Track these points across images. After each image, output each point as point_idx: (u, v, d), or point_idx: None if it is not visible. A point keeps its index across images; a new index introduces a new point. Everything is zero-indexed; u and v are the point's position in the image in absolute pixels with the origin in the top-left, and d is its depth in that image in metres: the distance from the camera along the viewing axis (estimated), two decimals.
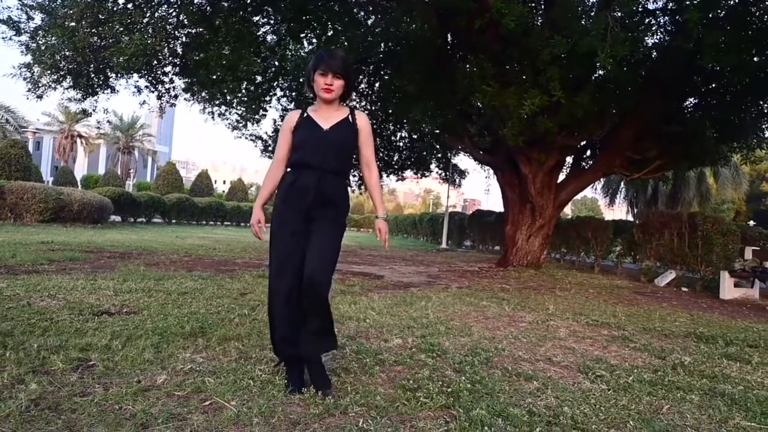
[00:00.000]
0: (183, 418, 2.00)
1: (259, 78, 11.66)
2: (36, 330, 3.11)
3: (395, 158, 15.14)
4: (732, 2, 6.24)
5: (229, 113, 12.96)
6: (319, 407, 2.17)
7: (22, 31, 8.45)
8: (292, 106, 13.66)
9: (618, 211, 31.89)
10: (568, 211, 77.31)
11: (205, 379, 2.43)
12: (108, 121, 12.87)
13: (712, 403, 2.64)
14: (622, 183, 23.88)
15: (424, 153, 15.45)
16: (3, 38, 8.43)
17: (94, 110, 10.18)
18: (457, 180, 17.53)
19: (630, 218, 21.60)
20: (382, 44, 10.91)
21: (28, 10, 8.41)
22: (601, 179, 23.69)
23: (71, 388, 2.22)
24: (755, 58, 6.28)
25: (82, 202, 15.46)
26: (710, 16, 5.83)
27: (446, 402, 2.34)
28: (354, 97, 13.41)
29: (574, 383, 2.84)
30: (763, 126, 9.34)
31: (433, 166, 16.46)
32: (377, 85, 12.95)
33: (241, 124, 13.26)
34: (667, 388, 2.86)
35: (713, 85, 8.50)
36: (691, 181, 23.32)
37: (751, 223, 33.89)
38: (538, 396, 2.55)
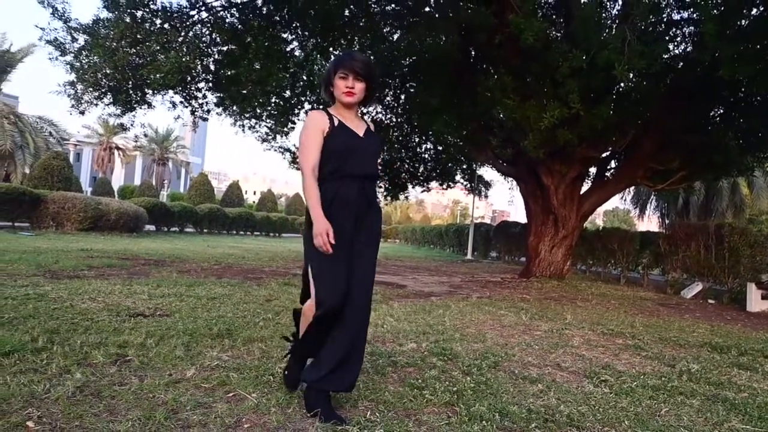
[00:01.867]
0: (209, 406, 2.23)
1: (287, 92, 12.07)
2: (79, 328, 3.40)
3: (420, 169, 15.32)
4: (749, 15, 6.25)
5: (259, 126, 13.40)
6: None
7: (67, 51, 9.00)
8: None
9: (648, 223, 31.28)
10: (599, 222, 76.12)
11: (229, 374, 2.65)
12: (144, 134, 13.47)
13: (711, 408, 2.73)
14: (652, 194, 23.49)
15: (450, 164, 15.59)
16: (50, 58, 9.00)
17: (132, 125, 10.72)
18: (483, 191, 17.58)
19: (661, 230, 21.20)
20: (407, 58, 11.15)
21: (72, 32, 8.97)
22: (630, 190, 23.44)
23: (111, 379, 2.47)
24: None
25: (119, 212, 16.13)
26: (727, 29, 5.86)
27: (450, 399, 2.51)
28: (380, 110, 13.72)
29: (577, 387, 2.96)
30: None
31: (458, 177, 16.60)
32: (403, 97, 13.20)
33: (270, 137, 13.68)
34: (669, 392, 2.95)
35: (738, 95, 8.43)
36: (724, 191, 22.78)
37: None
38: (540, 397, 2.69)
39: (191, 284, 6.01)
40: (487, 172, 17.05)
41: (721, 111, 9.15)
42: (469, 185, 17.34)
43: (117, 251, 9.89)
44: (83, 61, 9.06)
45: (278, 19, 10.33)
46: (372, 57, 11.14)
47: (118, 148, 44.82)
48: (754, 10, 6.23)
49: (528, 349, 3.91)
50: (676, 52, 8.71)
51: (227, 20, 10.12)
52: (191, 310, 4.38)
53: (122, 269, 7.19)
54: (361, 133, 2.38)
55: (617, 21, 8.35)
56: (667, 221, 24.44)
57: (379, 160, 2.57)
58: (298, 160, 2.27)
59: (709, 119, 8.82)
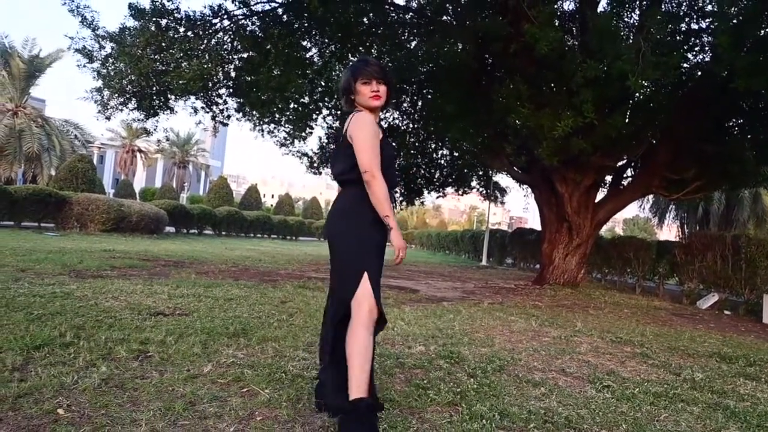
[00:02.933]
0: (224, 400, 2.37)
1: (306, 98, 12.30)
2: (103, 325, 3.58)
3: (436, 175, 15.43)
4: (764, 27, 6.26)
5: (278, 131, 13.66)
6: None
7: (95, 58, 9.33)
8: (337, 124, 14.28)
9: (668, 232, 30.90)
10: (619, 230, 75.21)
11: (244, 371, 2.80)
12: (167, 138, 13.81)
13: (711, 415, 2.79)
14: (671, 203, 23.21)
15: (465, 170, 15.67)
16: (78, 65, 9.34)
17: (155, 129, 11.03)
18: (498, 197, 17.61)
19: (679, 239, 20.95)
20: (424, 66, 11.28)
21: (100, 40, 9.30)
22: (649, 199, 23.22)
23: (133, 372, 2.63)
24: None
25: (140, 214, 16.51)
26: (742, 41, 5.89)
27: (453, 399, 2.61)
28: (397, 115, 13.88)
29: (580, 391, 3.04)
30: None
31: (474, 184, 16.67)
32: (419, 104, 13.34)
33: (288, 141, 13.94)
34: (671, 399, 3.01)
35: (756, 105, 8.39)
36: (745, 201, 22.43)
37: None
38: (542, 400, 2.78)
39: (209, 285, 6.19)
40: (503, 179, 17.08)
41: (738, 121, 9.10)
42: (484, 191, 17.39)
43: (138, 252, 10.16)
44: (109, 68, 9.37)
45: (298, 26, 10.56)
46: (390, 64, 11.32)
47: (140, 151, 45.70)
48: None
49: (535, 354, 3.99)
50: (694, 62, 8.70)
51: (248, 28, 10.37)
52: (209, 310, 4.54)
53: (143, 270, 7.42)
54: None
55: (634, 31, 8.38)
56: (686, 230, 24.12)
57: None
58: (360, 156, 2.17)
59: (725, 129, 8.80)
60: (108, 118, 9.91)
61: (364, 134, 2.20)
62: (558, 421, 2.43)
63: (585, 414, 2.59)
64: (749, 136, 8.89)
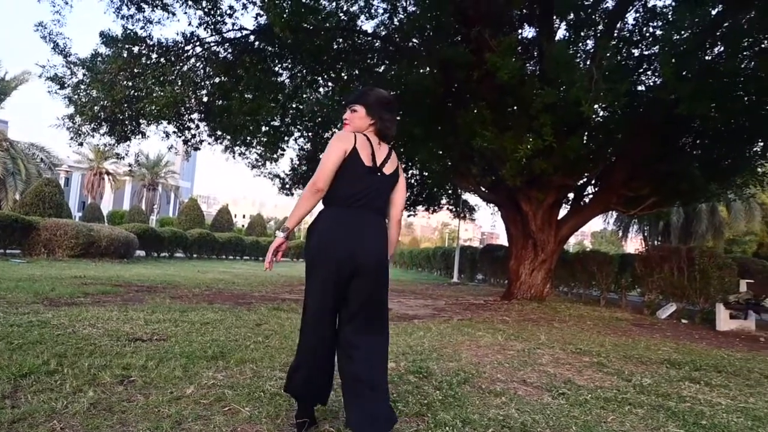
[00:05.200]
0: (208, 419, 2.55)
1: (277, 121, 12.52)
2: (84, 352, 3.69)
3: (407, 194, 15.77)
4: (703, 58, 6.82)
5: (249, 152, 13.81)
6: (317, 412, 2.69)
7: (66, 85, 9.39)
8: (309, 146, 14.52)
9: (633, 244, 31.96)
10: (588, 243, 76.96)
11: (225, 391, 2.97)
12: (138, 162, 13.79)
13: (653, 416, 3.09)
14: (634, 217, 24.12)
15: (435, 189, 16.07)
16: (49, 92, 9.38)
17: (126, 154, 11.07)
18: (468, 215, 18.06)
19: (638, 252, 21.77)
20: (392, 90, 11.66)
21: (72, 67, 9.38)
22: (612, 213, 24.05)
23: (119, 396, 2.78)
24: (725, 106, 6.84)
25: (110, 238, 16.33)
26: (684, 70, 6.41)
27: (420, 410, 2.84)
28: None
29: (537, 399, 3.31)
30: (756, 164, 9.76)
31: (444, 202, 17.09)
32: None
33: (260, 163, 14.09)
34: (619, 403, 3.31)
35: (702, 127, 9.00)
36: (703, 214, 23.48)
37: None
38: (502, 408, 3.04)
39: (184, 310, 6.28)
40: (472, 197, 17.53)
41: (687, 141, 9.71)
42: (454, 209, 17.82)
43: (110, 278, 10.12)
44: (81, 95, 9.44)
45: (269, 53, 10.83)
46: (360, 87, 11.66)
47: (108, 173, 45.00)
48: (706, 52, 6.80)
49: (499, 366, 4.25)
50: (642, 88, 9.28)
51: (221, 55, 10.59)
52: (186, 335, 4.67)
53: (117, 296, 7.45)
54: None
55: (589, 58, 8.92)
56: (649, 243, 25.03)
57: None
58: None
59: (676, 149, 9.38)
60: (81, 144, 9.96)
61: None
62: (514, 426, 2.69)
63: (540, 419, 2.85)
64: (698, 155, 9.50)
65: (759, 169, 9.98)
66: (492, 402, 3.15)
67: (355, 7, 10.68)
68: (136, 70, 9.40)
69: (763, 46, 7.05)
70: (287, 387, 2.54)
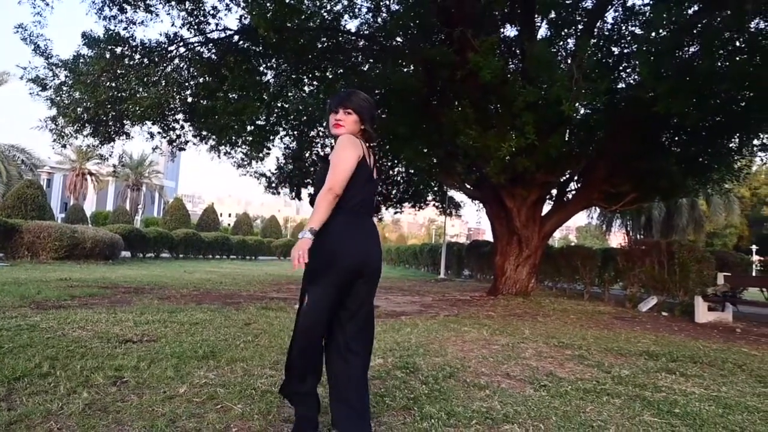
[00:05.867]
0: (201, 416, 2.63)
1: (263, 121, 12.53)
2: (75, 355, 3.74)
3: (393, 192, 15.89)
4: (679, 57, 7.01)
5: (235, 152, 13.81)
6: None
7: (48, 87, 9.32)
8: (294, 144, 14.56)
9: (617, 238, 32.50)
10: (573, 238, 77.88)
11: (216, 390, 3.05)
12: (122, 165, 13.71)
13: (630, 405, 3.23)
14: (617, 212, 24.54)
15: (421, 186, 16.20)
16: (31, 93, 9.30)
17: (110, 155, 11.00)
18: (453, 212, 18.22)
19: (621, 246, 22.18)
20: (377, 88, 11.75)
21: (54, 68, 9.30)
22: (596, 208, 24.42)
23: (113, 397, 2.85)
24: (702, 104, 7.05)
25: (94, 240, 16.19)
26: (661, 69, 6.58)
27: (407, 404, 2.95)
28: None
29: (519, 392, 3.43)
30: (732, 160, 10.03)
31: (429, 199, 17.23)
32: (375, 124, 13.78)
33: (245, 162, 14.10)
34: (598, 394, 3.44)
35: (681, 124, 9.22)
36: (683, 208, 23.95)
37: (754, 247, 34.41)
38: (485, 401, 3.15)
39: (173, 311, 6.32)
40: (458, 194, 17.71)
41: (666, 138, 9.95)
42: (440, 206, 17.97)
43: (96, 280, 10.08)
44: (64, 97, 9.38)
45: (253, 52, 10.83)
46: (345, 86, 11.72)
47: (91, 174, 44.46)
48: (682, 52, 6.99)
49: (483, 361, 4.38)
50: (623, 85, 9.48)
51: (204, 55, 10.57)
52: (176, 335, 4.73)
53: (104, 298, 7.44)
54: None
55: (569, 58, 9.09)
56: (632, 237, 25.45)
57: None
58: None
59: (655, 146, 9.60)
60: (64, 146, 9.89)
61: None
62: (497, 417, 2.81)
63: (521, 410, 2.97)
64: (676, 152, 9.74)
65: (735, 165, 10.26)
66: (476, 395, 3.27)
67: (338, 6, 10.74)
68: (119, 71, 9.35)
69: (737, 45, 7.26)
70: (282, 389, 2.53)
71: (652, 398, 3.38)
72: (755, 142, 9.96)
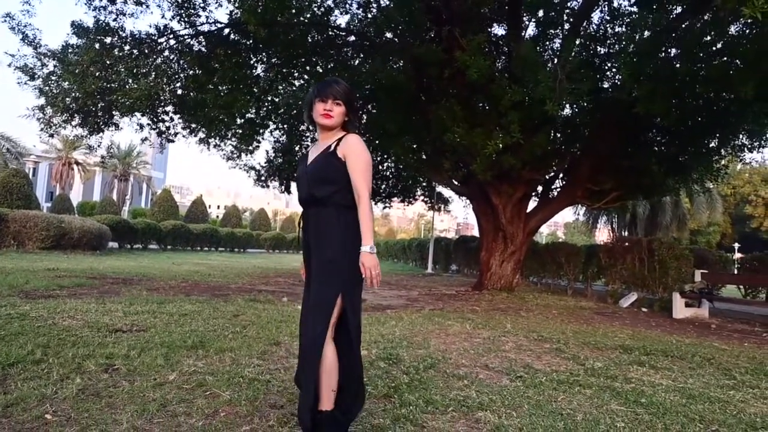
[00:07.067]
0: (191, 401, 2.75)
1: (252, 114, 12.57)
2: (67, 343, 3.84)
3: (383, 187, 16.03)
4: (660, 59, 7.20)
5: (224, 144, 13.84)
6: (291, 396, 2.92)
7: (36, 76, 9.30)
8: (284, 138, 14.62)
9: (604, 235, 32.98)
10: (561, 234, 78.57)
11: (205, 378, 3.17)
12: (110, 155, 13.69)
13: (599, 395, 3.40)
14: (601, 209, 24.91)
15: (410, 182, 16.35)
16: (19, 83, 9.28)
17: (98, 146, 11.00)
18: (442, 207, 18.42)
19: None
20: (367, 84, 11.84)
21: (42, 57, 9.28)
22: (581, 206, 24.75)
23: (105, 383, 2.96)
24: (682, 105, 7.26)
25: (82, 230, 16.16)
26: (641, 72, 6.77)
27: (388, 392, 3.10)
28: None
29: (496, 382, 3.59)
30: (712, 159, 10.29)
31: (418, 194, 17.41)
32: (364, 119, 13.89)
33: (235, 155, 14.14)
34: (570, 385, 3.61)
35: (662, 125, 9.45)
36: (667, 206, 24.34)
37: (736, 245, 35.03)
38: (462, 390, 3.31)
39: (162, 302, 6.41)
40: (446, 190, 17.90)
41: (648, 138, 10.18)
42: (429, 201, 18.16)
43: (83, 270, 10.11)
44: (52, 86, 9.36)
45: (243, 46, 10.86)
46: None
47: (77, 163, 44.02)
48: (663, 54, 7.18)
49: (464, 353, 4.54)
50: (607, 85, 9.67)
51: (195, 48, 10.58)
52: (165, 326, 4.83)
53: (92, 288, 7.51)
54: (311, 158, 2.40)
55: (555, 58, 9.25)
56: (617, 233, 25.83)
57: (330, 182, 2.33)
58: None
59: (637, 145, 9.82)
60: (52, 136, 9.88)
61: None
62: (472, 405, 2.96)
63: (496, 399, 3.13)
64: (657, 151, 9.98)
65: (714, 165, 10.52)
66: (454, 385, 3.42)
67: (329, 1, 10.81)
68: (108, 62, 9.34)
69: (716, 48, 7.46)
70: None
71: (621, 389, 3.56)
72: (736, 142, 10.23)
